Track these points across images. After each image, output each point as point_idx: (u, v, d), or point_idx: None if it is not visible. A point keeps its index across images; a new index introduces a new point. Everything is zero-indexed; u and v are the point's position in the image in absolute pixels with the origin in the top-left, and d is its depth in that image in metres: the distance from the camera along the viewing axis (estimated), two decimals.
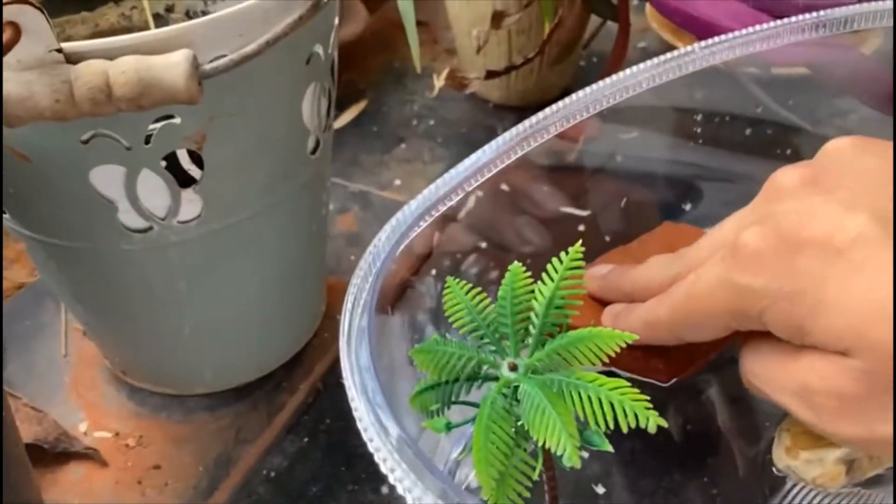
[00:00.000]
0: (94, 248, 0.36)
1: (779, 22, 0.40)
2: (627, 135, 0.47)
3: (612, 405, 0.25)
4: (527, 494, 0.26)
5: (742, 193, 0.34)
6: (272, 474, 0.40)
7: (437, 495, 0.22)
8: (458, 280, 0.30)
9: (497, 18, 0.56)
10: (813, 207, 0.26)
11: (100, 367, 0.45)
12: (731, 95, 0.47)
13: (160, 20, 0.43)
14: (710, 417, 0.38)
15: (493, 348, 0.28)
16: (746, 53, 0.40)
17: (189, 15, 0.43)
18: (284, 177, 0.37)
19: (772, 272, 0.25)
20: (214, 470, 0.40)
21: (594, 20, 0.59)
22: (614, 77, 0.38)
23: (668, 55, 0.38)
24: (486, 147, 0.35)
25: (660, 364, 0.38)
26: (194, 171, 0.39)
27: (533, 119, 0.36)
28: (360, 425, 0.25)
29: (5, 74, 0.28)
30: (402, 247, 0.32)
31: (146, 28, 0.43)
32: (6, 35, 0.27)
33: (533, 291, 0.28)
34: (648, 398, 0.25)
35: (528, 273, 0.29)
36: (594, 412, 0.25)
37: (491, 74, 0.55)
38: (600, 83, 0.38)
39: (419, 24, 0.49)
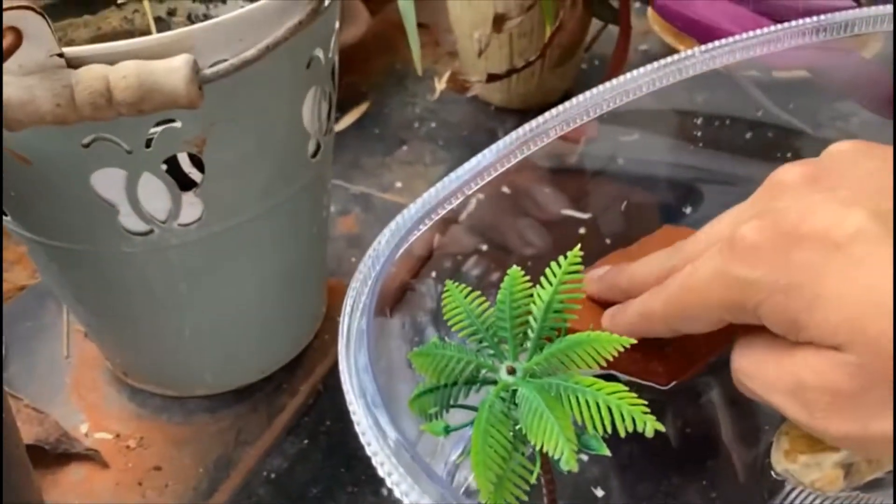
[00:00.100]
0: (95, 251, 0.36)
1: (779, 26, 0.40)
2: (628, 137, 0.48)
3: (609, 409, 0.25)
4: (525, 498, 0.26)
5: (742, 196, 0.34)
6: (272, 476, 0.40)
7: (433, 499, 0.22)
8: (457, 283, 0.30)
9: (498, 21, 0.56)
10: (813, 204, 0.26)
11: (101, 368, 0.45)
12: (732, 99, 0.47)
13: (162, 24, 0.43)
14: (709, 421, 0.38)
15: (491, 352, 0.28)
16: (747, 57, 0.40)
17: (191, 19, 0.44)
18: (285, 180, 0.37)
19: (769, 265, 0.25)
20: (214, 471, 0.40)
21: (595, 23, 0.59)
22: (615, 81, 0.38)
23: (669, 59, 0.38)
24: (486, 151, 0.35)
25: (659, 367, 0.38)
26: (195, 174, 0.39)
27: (533, 123, 0.36)
28: (357, 428, 0.25)
29: (6, 79, 0.28)
30: (401, 250, 0.32)
31: (148, 32, 0.43)
32: (7, 40, 0.27)
33: (532, 295, 0.28)
34: (646, 402, 0.25)
35: (527, 277, 0.29)
36: (592, 416, 0.25)
37: (492, 78, 0.55)
38: (601, 87, 0.38)
39: (421, 26, 0.49)
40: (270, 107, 0.34)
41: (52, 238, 0.36)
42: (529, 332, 0.28)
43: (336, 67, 0.39)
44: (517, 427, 0.26)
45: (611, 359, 0.27)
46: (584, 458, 0.37)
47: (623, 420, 0.25)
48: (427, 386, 0.28)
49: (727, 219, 0.30)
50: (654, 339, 0.37)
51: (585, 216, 0.47)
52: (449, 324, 0.29)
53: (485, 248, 0.43)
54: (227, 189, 0.35)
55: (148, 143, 0.32)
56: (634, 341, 0.27)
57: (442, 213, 0.33)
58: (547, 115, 0.36)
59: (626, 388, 0.26)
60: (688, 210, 0.47)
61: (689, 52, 0.39)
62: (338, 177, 0.57)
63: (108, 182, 0.33)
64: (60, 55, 0.28)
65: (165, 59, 0.28)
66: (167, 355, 0.42)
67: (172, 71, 0.28)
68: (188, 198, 0.34)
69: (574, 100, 0.37)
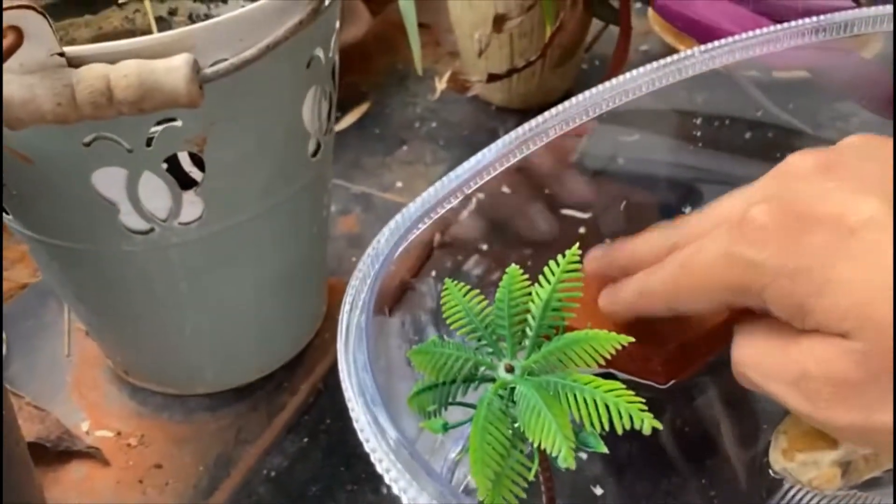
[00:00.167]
0: (96, 250, 0.36)
1: (779, 26, 0.40)
2: (628, 137, 0.48)
3: (607, 407, 0.25)
4: (523, 495, 0.26)
5: None
6: (272, 474, 0.40)
7: (432, 496, 0.22)
8: (455, 282, 0.30)
9: (499, 22, 0.56)
10: (826, 191, 0.25)
11: (102, 367, 0.45)
12: (732, 99, 0.47)
13: (163, 23, 0.43)
14: (707, 420, 0.39)
15: (490, 350, 0.28)
16: (746, 57, 0.40)
17: (192, 19, 0.44)
18: (285, 179, 0.37)
19: (778, 247, 0.25)
20: (215, 470, 0.40)
21: (596, 24, 0.59)
22: (614, 80, 0.38)
23: (669, 59, 0.39)
24: (485, 150, 0.35)
25: (657, 366, 0.38)
26: (195, 173, 0.40)
27: (533, 122, 0.36)
28: (356, 425, 0.25)
29: (8, 77, 0.28)
30: (401, 248, 0.32)
31: (149, 31, 0.43)
32: (9, 39, 0.28)
33: (530, 294, 0.29)
34: (644, 400, 0.25)
35: (526, 276, 0.29)
36: (589, 414, 0.25)
37: (492, 78, 0.55)
38: (600, 86, 0.38)
39: (422, 26, 0.49)
40: (271, 106, 0.34)
41: (53, 237, 0.36)
42: (528, 330, 0.28)
43: (336, 67, 0.39)
44: (515, 424, 0.27)
45: (608, 357, 0.27)
46: (583, 456, 0.37)
47: (620, 417, 0.25)
48: (426, 383, 0.28)
49: (732, 200, 0.29)
50: (654, 338, 0.37)
51: (585, 216, 0.48)
52: (448, 322, 0.29)
53: (485, 247, 0.43)
54: (228, 188, 0.35)
55: (149, 142, 0.32)
56: (632, 339, 0.27)
57: (441, 211, 0.34)
58: (546, 114, 0.36)
59: (624, 386, 0.26)
60: (687, 209, 0.47)
61: (689, 51, 0.39)
62: (338, 176, 0.57)
63: (108, 181, 0.33)
64: (61, 54, 0.28)
65: (166, 58, 0.29)
66: (168, 354, 0.42)
67: (173, 70, 0.28)
68: (189, 196, 0.34)
69: (574, 99, 0.37)
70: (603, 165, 0.48)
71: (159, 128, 0.32)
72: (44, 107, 0.28)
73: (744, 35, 0.40)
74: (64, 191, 0.33)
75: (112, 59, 0.29)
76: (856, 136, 0.29)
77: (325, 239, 0.45)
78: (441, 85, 0.55)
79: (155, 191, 0.34)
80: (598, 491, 0.36)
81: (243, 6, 0.31)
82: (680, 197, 0.48)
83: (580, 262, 0.28)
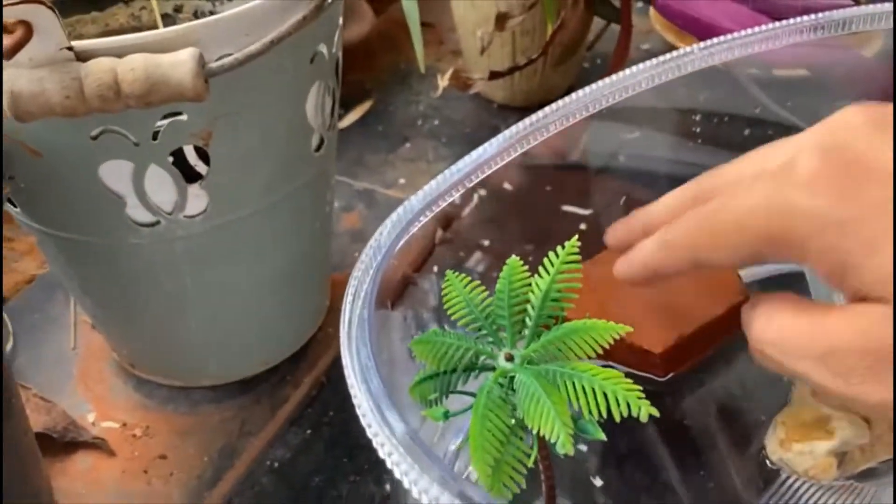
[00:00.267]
0: (103, 242, 0.36)
1: (778, 23, 0.41)
2: (629, 135, 0.48)
3: (605, 395, 0.26)
4: (522, 482, 0.27)
5: None
6: (276, 465, 0.41)
7: (433, 480, 0.23)
8: (457, 273, 0.30)
9: (501, 20, 0.56)
10: (882, 144, 0.24)
11: (108, 359, 0.46)
12: (732, 96, 0.47)
13: (168, 20, 0.44)
14: (706, 412, 0.39)
15: (490, 340, 0.29)
16: (745, 54, 0.41)
17: (197, 15, 0.44)
18: (289, 174, 0.38)
19: (830, 196, 0.23)
20: (219, 461, 0.41)
21: (598, 23, 0.60)
22: (614, 77, 0.38)
23: (668, 55, 0.39)
24: (486, 144, 0.35)
25: (657, 359, 0.38)
26: (201, 166, 0.40)
27: (533, 117, 0.37)
28: (359, 412, 0.25)
29: (17, 71, 0.29)
30: (402, 241, 0.33)
31: (155, 28, 0.44)
32: (18, 33, 0.28)
33: (530, 284, 0.29)
34: (641, 388, 0.26)
35: (526, 267, 0.30)
36: (588, 401, 0.26)
37: (494, 75, 0.55)
38: (600, 82, 0.38)
39: (425, 25, 0.49)
40: (275, 101, 0.35)
41: (60, 229, 0.36)
42: (527, 320, 0.29)
43: (340, 63, 0.40)
44: (515, 412, 0.27)
45: (607, 346, 0.28)
46: (583, 448, 0.38)
47: (618, 405, 0.25)
48: (427, 373, 0.29)
49: (768, 151, 0.28)
50: (654, 331, 0.37)
51: (586, 213, 0.48)
52: (448, 312, 0.30)
53: (486, 243, 0.43)
54: (232, 182, 0.36)
55: (155, 136, 0.33)
56: (630, 329, 0.28)
57: (443, 204, 0.34)
58: (547, 109, 0.37)
59: (622, 374, 0.26)
60: None
61: (688, 48, 0.39)
62: (342, 173, 0.58)
63: (115, 174, 0.33)
64: (70, 48, 0.29)
65: (172, 52, 0.29)
66: (173, 346, 0.43)
67: (179, 64, 0.29)
68: (194, 190, 0.35)
69: (574, 94, 0.37)
70: (604, 162, 0.48)
71: (165, 122, 0.33)
72: (53, 100, 0.29)
73: (743, 32, 0.40)
74: (72, 184, 0.34)
75: (119, 53, 0.29)
76: None
77: (329, 234, 0.46)
78: (443, 82, 0.55)
79: (161, 184, 0.34)
80: (598, 482, 0.37)
81: (247, 3, 0.32)
82: None
83: (579, 254, 0.29)
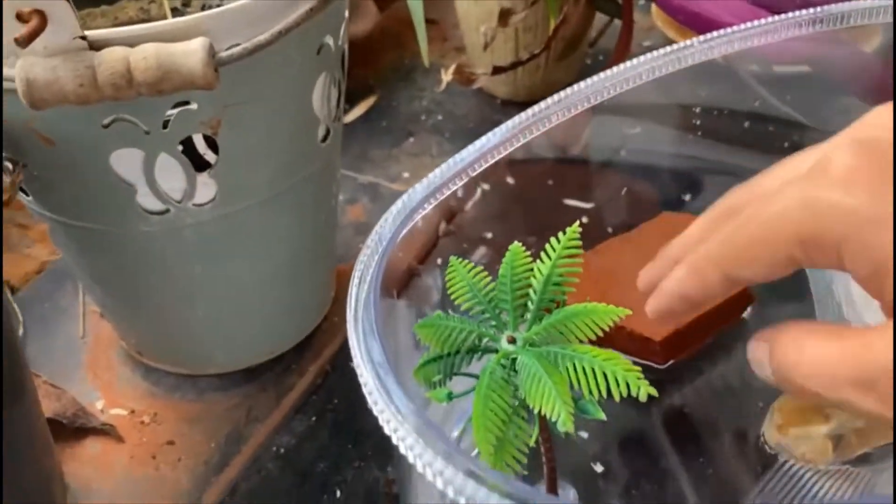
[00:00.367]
0: (114, 230, 0.37)
1: (776, 17, 0.41)
2: (631, 130, 0.49)
3: (605, 375, 0.26)
4: (524, 460, 0.27)
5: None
6: (281, 451, 0.41)
7: (438, 454, 0.23)
8: (460, 259, 0.31)
9: (504, 16, 0.57)
10: None
11: (116, 348, 0.47)
12: (733, 92, 0.48)
13: (177, 14, 0.45)
14: (705, 399, 0.40)
15: (493, 323, 0.30)
16: (745, 47, 0.41)
17: (205, 10, 0.45)
18: (296, 163, 0.39)
19: (868, 192, 0.22)
20: (226, 447, 0.41)
21: (601, 19, 0.60)
22: (615, 69, 0.39)
23: (668, 48, 0.40)
24: (489, 134, 0.36)
25: (656, 346, 0.39)
26: (210, 155, 0.41)
27: (535, 108, 0.37)
28: (364, 390, 0.26)
29: (32, 60, 0.30)
30: (407, 229, 0.33)
31: None
32: (33, 23, 0.29)
33: (532, 270, 0.30)
34: (641, 369, 0.26)
35: (529, 253, 0.30)
36: (588, 382, 0.26)
37: (497, 70, 0.56)
38: (601, 74, 0.39)
39: (429, 22, 0.50)
40: (282, 91, 0.36)
41: (72, 218, 0.37)
42: (529, 304, 0.29)
43: (346, 56, 0.40)
44: (517, 393, 0.28)
45: (607, 329, 0.28)
46: (585, 434, 0.38)
47: (618, 385, 0.26)
48: (431, 355, 0.30)
49: (798, 159, 0.27)
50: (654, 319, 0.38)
51: (588, 206, 0.49)
52: (452, 297, 0.30)
53: (490, 235, 0.44)
54: (240, 170, 0.36)
55: (165, 125, 0.33)
56: (629, 312, 0.28)
57: (447, 193, 0.35)
58: (549, 100, 0.38)
59: (621, 356, 0.27)
60: (687, 197, 0.48)
61: (689, 41, 0.40)
62: (347, 167, 0.59)
63: (126, 162, 0.34)
64: (83, 38, 0.30)
65: (183, 42, 0.30)
66: (180, 335, 0.43)
67: (190, 53, 0.30)
68: (203, 178, 0.36)
69: (575, 86, 0.38)
70: (606, 157, 0.49)
71: (175, 111, 0.33)
72: (66, 87, 0.30)
73: (742, 26, 0.41)
74: (83, 172, 0.35)
75: (131, 42, 0.30)
76: None
77: (334, 226, 0.47)
78: (447, 77, 0.56)
79: (170, 172, 0.35)
80: (599, 468, 0.37)
81: None
82: (680, 186, 0.49)
83: (579, 239, 0.29)
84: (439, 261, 0.39)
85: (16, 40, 0.28)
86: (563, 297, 0.29)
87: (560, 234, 0.29)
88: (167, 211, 0.36)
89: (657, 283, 0.29)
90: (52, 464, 0.37)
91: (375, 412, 0.25)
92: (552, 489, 0.31)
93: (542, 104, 0.37)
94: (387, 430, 0.25)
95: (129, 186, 0.35)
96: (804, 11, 0.41)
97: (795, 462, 0.35)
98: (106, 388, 0.45)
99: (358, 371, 0.27)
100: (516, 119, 0.37)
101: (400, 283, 0.36)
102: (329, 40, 0.37)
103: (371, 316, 0.28)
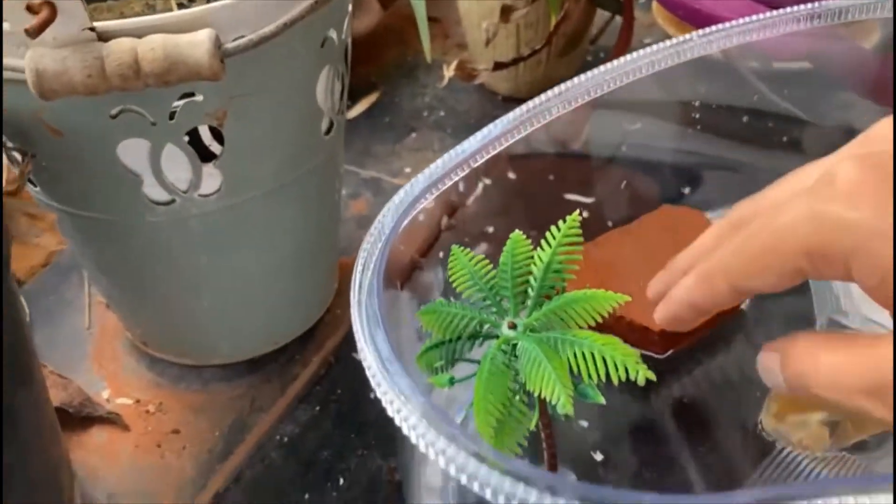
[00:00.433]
0: (120, 221, 0.38)
1: (775, 12, 0.42)
2: (632, 126, 0.49)
3: (604, 359, 0.27)
4: (524, 444, 0.28)
5: (741, 180, 0.36)
6: (285, 440, 0.42)
7: (443, 434, 0.24)
8: (462, 248, 0.31)
9: (506, 12, 0.58)
10: None
11: (121, 339, 0.47)
12: (733, 88, 0.48)
13: (182, 10, 0.45)
14: (704, 389, 0.40)
15: (494, 310, 0.30)
16: (743, 42, 0.42)
17: (209, 3, 0.45)
18: (300, 155, 0.39)
19: (873, 205, 0.22)
20: (230, 435, 0.42)
21: (602, 17, 0.61)
22: (615, 62, 0.39)
23: (668, 42, 0.40)
24: (490, 125, 0.37)
25: (655, 336, 0.39)
26: (215, 146, 0.41)
27: (536, 100, 0.38)
28: (368, 374, 0.26)
29: (42, 51, 0.30)
30: (409, 217, 0.34)
31: None
32: (43, 14, 0.29)
33: (532, 258, 0.30)
34: (639, 352, 0.27)
35: (529, 241, 0.31)
36: (587, 366, 0.27)
37: (499, 66, 0.57)
38: (601, 67, 0.39)
39: (431, 19, 0.51)
40: (287, 83, 0.36)
41: (79, 208, 0.38)
42: (530, 291, 0.30)
43: (349, 50, 0.41)
44: (517, 377, 0.28)
45: (606, 315, 0.29)
46: (585, 423, 0.39)
47: (616, 369, 0.26)
48: (433, 342, 0.30)
49: (804, 172, 0.27)
50: (653, 309, 0.38)
51: (588, 200, 0.49)
52: (454, 285, 0.31)
53: (491, 230, 0.44)
54: (246, 162, 0.37)
55: (171, 116, 0.34)
56: (629, 298, 0.29)
57: (449, 183, 0.35)
58: (550, 92, 0.38)
59: (620, 341, 0.27)
60: (686, 191, 0.49)
61: (688, 35, 0.40)
62: (350, 162, 0.59)
63: (133, 152, 0.35)
64: (92, 29, 0.30)
65: (189, 33, 0.30)
66: (185, 325, 0.44)
67: (196, 44, 0.30)
68: (208, 169, 0.36)
69: (576, 79, 0.39)
70: (607, 152, 0.49)
71: (181, 102, 0.34)
72: (75, 78, 0.30)
73: (741, 20, 0.42)
74: (91, 162, 0.35)
75: (139, 33, 0.30)
76: None
77: (338, 219, 0.47)
78: (449, 72, 0.56)
79: (176, 163, 0.35)
80: (599, 457, 0.38)
81: None
82: (681, 181, 0.50)
83: (580, 228, 0.30)
84: (441, 254, 0.40)
85: (26, 31, 0.29)
86: (563, 283, 0.30)
87: (560, 223, 0.30)
88: (173, 201, 0.37)
89: (665, 292, 0.30)
90: (59, 452, 0.38)
91: (379, 394, 0.26)
92: (553, 471, 0.32)
93: (543, 96, 0.38)
94: (390, 412, 0.25)
95: (135, 177, 0.36)
96: (802, 6, 0.41)
97: (793, 449, 0.35)
98: (111, 379, 0.45)
99: (361, 354, 0.27)
100: (517, 111, 0.37)
101: (403, 275, 0.36)
102: (332, 34, 0.38)
103: (374, 301, 0.29)
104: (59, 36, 0.30)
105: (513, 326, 0.29)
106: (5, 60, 0.31)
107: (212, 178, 0.37)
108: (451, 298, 0.31)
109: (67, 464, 0.39)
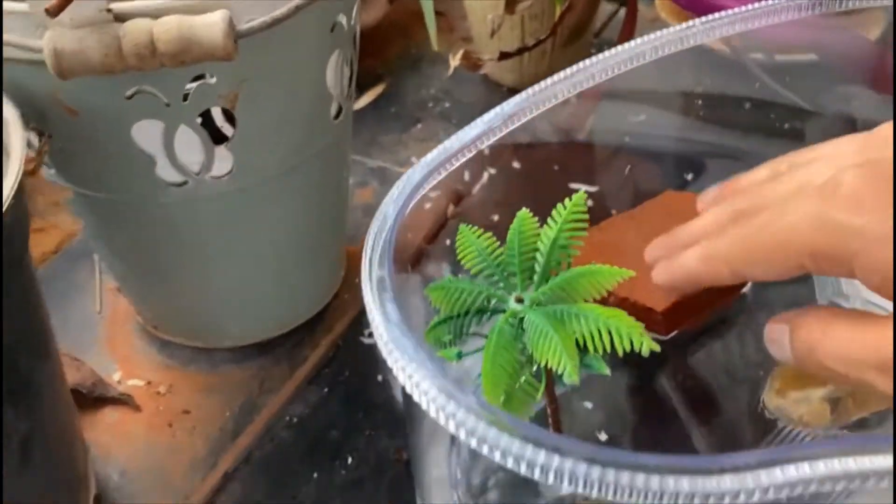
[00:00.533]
0: (134, 202, 0.38)
1: (777, 0, 0.42)
2: (636, 117, 0.50)
3: (609, 331, 0.27)
4: (531, 414, 0.28)
5: (742, 168, 0.36)
6: (294, 420, 0.42)
7: (450, 398, 0.24)
8: (469, 225, 0.32)
9: (511, 3, 0.58)
10: None
11: (132, 322, 0.48)
12: (736, 79, 0.49)
13: None
14: (707, 369, 0.41)
15: (501, 286, 0.31)
16: (745, 29, 0.42)
17: None
18: (309, 139, 0.40)
19: (875, 213, 0.23)
20: (240, 415, 0.43)
21: (606, 10, 0.62)
22: (619, 48, 0.40)
23: (671, 28, 0.41)
24: (496, 108, 0.37)
25: (659, 316, 0.40)
26: (227, 129, 0.42)
27: (542, 84, 0.38)
28: (380, 343, 0.27)
29: (60, 31, 0.31)
30: (417, 197, 0.34)
31: None
32: None
33: (539, 235, 0.31)
34: (643, 324, 0.27)
35: (536, 218, 0.31)
36: (593, 337, 0.28)
37: (504, 55, 0.57)
38: (605, 53, 0.40)
39: (437, 14, 0.51)
40: (297, 66, 0.37)
41: (94, 189, 0.38)
42: (536, 266, 0.30)
43: (357, 36, 0.41)
44: (524, 351, 0.29)
45: (611, 289, 0.29)
46: (589, 405, 0.40)
47: (622, 340, 0.27)
48: (442, 317, 0.31)
49: (813, 167, 0.28)
50: (657, 290, 0.39)
51: (593, 189, 0.50)
52: (462, 262, 0.32)
53: (496, 218, 0.45)
54: (256, 144, 0.38)
55: (185, 97, 0.35)
56: (633, 273, 0.29)
57: (456, 164, 0.36)
58: (553, 78, 0.39)
59: (625, 313, 0.28)
60: (689, 177, 0.49)
61: (691, 22, 0.41)
62: (357, 152, 0.60)
63: (147, 134, 0.35)
64: (109, 10, 0.31)
65: (204, 14, 0.31)
66: (196, 308, 0.45)
67: (211, 25, 0.31)
68: (220, 151, 0.37)
69: (581, 64, 0.39)
70: (611, 141, 0.50)
71: (195, 84, 0.34)
72: (93, 58, 0.31)
73: (744, 7, 0.42)
74: (105, 143, 0.36)
75: (155, 15, 0.31)
76: None
77: (345, 205, 0.48)
78: (454, 62, 0.57)
79: (189, 144, 0.36)
80: (603, 437, 0.38)
81: None
82: (684, 170, 0.50)
83: (586, 206, 0.31)
84: (448, 242, 0.40)
85: (46, 10, 0.29)
86: (569, 259, 0.30)
87: (567, 201, 0.31)
88: (185, 183, 0.37)
89: (662, 258, 0.31)
90: (74, 427, 0.38)
91: (390, 362, 0.26)
92: None
93: (549, 80, 0.39)
94: (401, 378, 0.26)
95: (149, 158, 0.36)
96: None
97: (794, 427, 0.36)
98: (123, 361, 0.46)
99: (372, 325, 0.28)
100: (522, 95, 0.38)
101: (411, 259, 0.37)
102: (342, 19, 0.38)
103: (384, 273, 0.29)
104: (76, 17, 0.31)
105: (520, 301, 0.30)
106: (24, 41, 0.32)
107: (224, 160, 0.37)
108: (459, 276, 0.32)
109: (82, 439, 0.40)
